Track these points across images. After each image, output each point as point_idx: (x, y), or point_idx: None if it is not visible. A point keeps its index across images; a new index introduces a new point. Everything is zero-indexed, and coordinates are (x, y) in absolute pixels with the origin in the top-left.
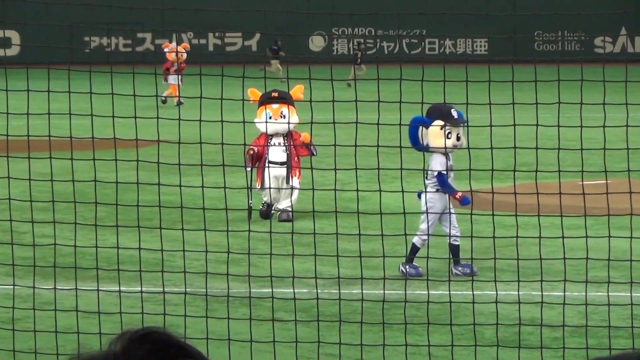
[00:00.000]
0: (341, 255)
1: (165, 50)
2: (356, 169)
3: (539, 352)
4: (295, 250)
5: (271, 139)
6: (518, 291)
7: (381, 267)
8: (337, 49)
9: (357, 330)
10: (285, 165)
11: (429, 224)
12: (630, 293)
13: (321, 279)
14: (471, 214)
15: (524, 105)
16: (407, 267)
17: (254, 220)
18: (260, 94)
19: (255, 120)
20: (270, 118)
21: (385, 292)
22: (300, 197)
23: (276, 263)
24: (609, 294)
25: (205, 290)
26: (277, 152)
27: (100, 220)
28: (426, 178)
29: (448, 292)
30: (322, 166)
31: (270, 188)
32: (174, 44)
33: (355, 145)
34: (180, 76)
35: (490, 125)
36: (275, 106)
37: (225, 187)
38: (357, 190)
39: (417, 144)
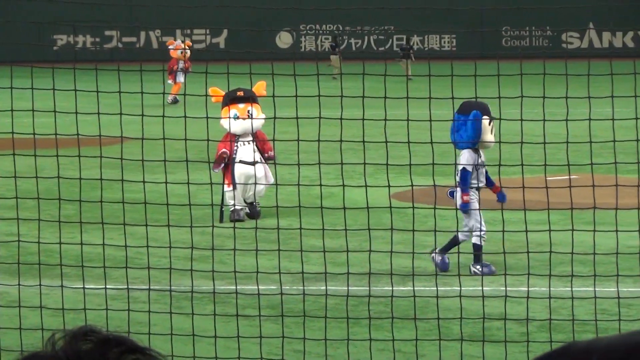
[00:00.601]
0: (305, 251)
1: (170, 47)
2: (319, 164)
3: (506, 347)
4: (264, 247)
5: (238, 138)
6: (482, 286)
7: (351, 263)
8: (304, 45)
9: (324, 327)
10: (254, 164)
11: (480, 219)
12: (594, 287)
13: (288, 275)
14: (434, 208)
15: (490, 101)
16: (478, 267)
17: (224, 222)
18: (223, 92)
19: (230, 118)
20: (237, 118)
21: (352, 288)
22: (268, 195)
23: (245, 260)
24: (574, 288)
25: (169, 287)
26: (246, 151)
27: (68, 218)
28: (457, 175)
29: (412, 288)
30: (290, 162)
31: (244, 184)
32: (178, 41)
33: (319, 141)
34: (185, 75)
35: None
36: (241, 105)
37: (188, 184)
38: (321, 185)
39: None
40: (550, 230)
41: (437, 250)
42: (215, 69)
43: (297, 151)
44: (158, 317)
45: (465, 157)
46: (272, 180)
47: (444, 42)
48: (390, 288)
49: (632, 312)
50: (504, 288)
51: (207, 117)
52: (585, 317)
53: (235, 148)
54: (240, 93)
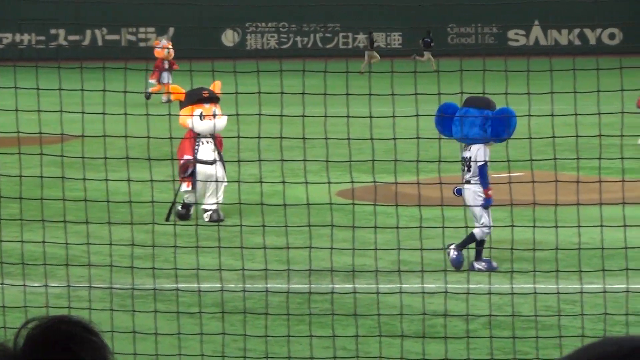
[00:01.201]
0: (246, 248)
1: (157, 47)
2: (260, 161)
3: (451, 344)
4: (208, 244)
5: (199, 137)
6: (422, 283)
7: (294, 261)
8: (250, 43)
9: (271, 325)
10: (214, 164)
11: (489, 216)
12: (534, 284)
13: (233, 273)
14: (375, 204)
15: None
16: (480, 263)
17: (171, 221)
18: (184, 91)
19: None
20: (202, 117)
21: (295, 285)
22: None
23: (190, 258)
24: (515, 285)
25: (110, 285)
26: (207, 151)
27: (13, 216)
28: (467, 171)
29: (353, 285)
30: (234, 159)
31: (205, 181)
32: (164, 40)
33: (259, 138)
34: (170, 74)
35: (394, 116)
36: (207, 105)
37: (129, 181)
38: (261, 183)
39: (450, 133)
40: (491, 227)
41: (453, 246)
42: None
43: (237, 149)
44: (100, 315)
45: (483, 152)
46: (225, 179)
47: (390, 40)
48: (331, 285)
49: (577, 308)
50: (444, 285)
51: (148, 115)
52: (528, 313)
53: (196, 147)
54: (206, 93)
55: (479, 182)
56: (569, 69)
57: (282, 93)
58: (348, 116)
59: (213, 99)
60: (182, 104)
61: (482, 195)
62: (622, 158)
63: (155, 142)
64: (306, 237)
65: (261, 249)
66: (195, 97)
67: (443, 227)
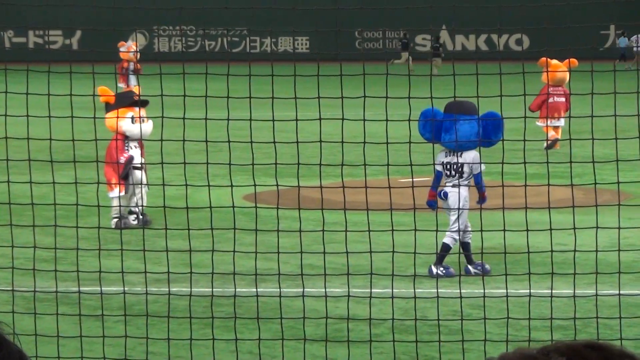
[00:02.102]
0: (148, 251)
1: (121, 49)
2: (162, 164)
3: (357, 348)
4: (114, 247)
5: (128, 141)
6: (324, 287)
7: (201, 265)
8: (158, 47)
9: (178, 328)
10: (142, 168)
11: (460, 222)
12: (437, 289)
13: (140, 276)
14: (277, 208)
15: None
16: (439, 268)
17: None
18: (113, 94)
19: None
20: (134, 121)
21: (200, 289)
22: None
23: (96, 261)
24: (418, 290)
25: (11, 288)
26: (137, 155)
27: None
28: (460, 176)
29: (255, 289)
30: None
31: (137, 184)
32: (129, 42)
33: (161, 141)
34: (137, 77)
35: (297, 120)
36: (137, 109)
37: (30, 183)
38: (164, 186)
39: (436, 139)
40: (392, 230)
41: (433, 266)
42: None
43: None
44: (3, 318)
45: (475, 155)
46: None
47: (298, 44)
48: (233, 289)
49: (482, 312)
50: (362, 290)
51: (50, 117)
52: (433, 318)
53: (126, 152)
54: (136, 96)
55: (467, 188)
56: (472, 73)
57: (184, 96)
58: (250, 119)
59: (143, 102)
60: (112, 107)
61: (468, 201)
62: (524, 163)
63: (59, 145)
64: (214, 240)
65: (164, 252)
66: (127, 100)
67: (346, 231)
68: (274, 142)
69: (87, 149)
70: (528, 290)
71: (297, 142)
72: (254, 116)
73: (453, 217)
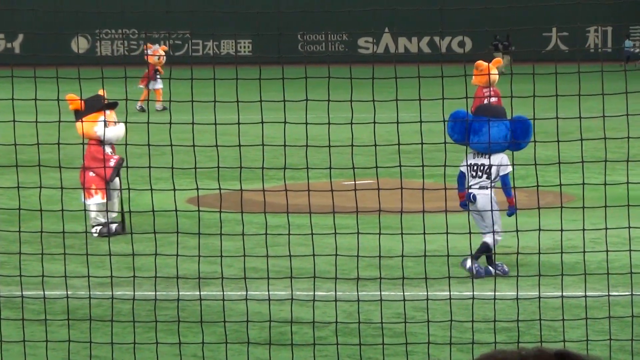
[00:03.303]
0: (91, 255)
1: (148, 52)
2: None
3: (301, 351)
4: (56, 252)
5: (103, 145)
6: (268, 290)
7: (145, 269)
8: (100, 50)
9: (122, 332)
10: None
11: (494, 222)
12: (380, 291)
13: (82, 280)
14: (220, 211)
15: (276, 106)
16: (497, 267)
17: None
18: (79, 99)
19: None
20: (106, 125)
21: (142, 293)
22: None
23: (39, 265)
24: (362, 292)
25: None
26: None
27: None
28: (486, 178)
29: (199, 293)
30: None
31: (114, 189)
32: (156, 46)
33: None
34: (160, 79)
35: (239, 124)
36: (108, 112)
37: None
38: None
39: (463, 140)
40: (335, 233)
41: (469, 260)
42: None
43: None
44: None
45: (503, 157)
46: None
47: (241, 47)
48: (177, 293)
49: (427, 315)
50: (290, 292)
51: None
52: (377, 320)
53: (112, 155)
54: (105, 100)
55: (493, 189)
56: (414, 76)
57: (126, 100)
58: (193, 122)
59: (112, 105)
60: (82, 113)
61: (497, 202)
62: (447, 166)
63: (0, 149)
64: (158, 244)
65: (107, 255)
66: (98, 105)
67: (289, 234)
68: (217, 146)
69: (29, 152)
70: (471, 293)
71: (240, 145)
72: (196, 119)
73: (488, 220)
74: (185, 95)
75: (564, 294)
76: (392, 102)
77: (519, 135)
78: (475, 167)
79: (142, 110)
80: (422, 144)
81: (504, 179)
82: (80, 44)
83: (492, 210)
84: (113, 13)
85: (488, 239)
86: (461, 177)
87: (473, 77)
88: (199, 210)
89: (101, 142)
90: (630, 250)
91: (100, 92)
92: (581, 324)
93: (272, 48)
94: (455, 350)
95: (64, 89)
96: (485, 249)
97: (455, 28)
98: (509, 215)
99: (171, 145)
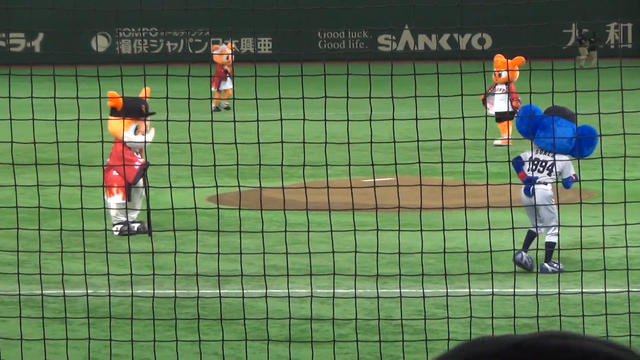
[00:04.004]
0: (111, 253)
1: (215, 52)
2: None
3: (322, 349)
4: (75, 250)
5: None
6: (288, 288)
7: (166, 267)
8: (120, 49)
9: (142, 330)
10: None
11: (552, 217)
12: (400, 289)
13: (100, 279)
14: (239, 209)
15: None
16: (553, 264)
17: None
18: (121, 98)
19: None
20: (137, 132)
21: (162, 291)
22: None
23: (60, 264)
24: (382, 290)
25: None
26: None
27: None
28: (549, 174)
29: (219, 290)
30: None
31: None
32: (223, 45)
33: (97, 143)
34: (231, 79)
35: (258, 121)
36: (142, 119)
37: None
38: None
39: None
40: (355, 231)
41: (519, 250)
42: (36, 71)
43: (102, 154)
44: None
45: (571, 164)
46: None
47: (260, 45)
48: (196, 290)
49: (447, 312)
50: (310, 290)
51: (11, 119)
52: (398, 317)
53: (138, 157)
54: (144, 107)
55: (550, 184)
56: (432, 72)
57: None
58: (212, 120)
59: (148, 114)
60: (118, 113)
61: (554, 199)
62: (486, 162)
63: (20, 148)
64: (178, 242)
65: (127, 254)
66: (136, 112)
67: (308, 232)
68: (236, 143)
69: (49, 151)
70: (491, 289)
71: (259, 142)
72: (215, 117)
73: (543, 215)
74: (204, 93)
75: (584, 290)
76: (411, 99)
77: (582, 144)
78: (536, 162)
79: (218, 110)
80: (441, 140)
81: (567, 182)
82: (100, 43)
83: (546, 205)
84: (132, 11)
85: (550, 237)
86: (518, 160)
87: (498, 73)
88: (218, 208)
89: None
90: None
91: (142, 94)
92: (601, 320)
93: (291, 46)
94: None
95: (83, 87)
96: (551, 247)
97: (475, 25)
98: (569, 184)
99: (190, 143)
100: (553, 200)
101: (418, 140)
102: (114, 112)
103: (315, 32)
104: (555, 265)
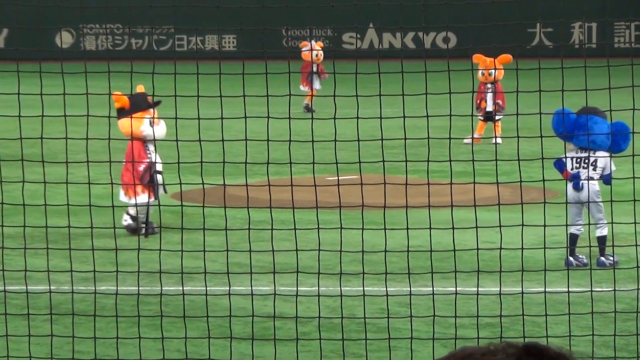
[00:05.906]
0: (74, 249)
1: (304, 50)
2: (88, 162)
3: (285, 346)
4: (38, 247)
5: (148, 145)
6: (251, 286)
7: (129, 263)
8: (84, 45)
9: (105, 327)
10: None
11: (599, 213)
12: (363, 287)
13: (63, 275)
14: (203, 206)
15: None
16: (609, 257)
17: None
18: (127, 97)
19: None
20: (152, 124)
21: (125, 287)
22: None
23: (22, 260)
24: (345, 288)
25: None
26: (158, 159)
27: None
28: (594, 169)
29: (182, 288)
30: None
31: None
32: (313, 42)
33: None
34: (320, 80)
35: (222, 118)
36: (151, 110)
37: None
38: (89, 184)
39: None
40: (319, 229)
41: (569, 256)
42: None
43: (65, 151)
44: None
45: (610, 161)
46: None
47: (225, 42)
48: (160, 288)
49: (410, 311)
50: (274, 287)
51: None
52: (361, 316)
53: (149, 155)
54: (150, 98)
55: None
56: (397, 71)
57: (109, 94)
58: (176, 117)
59: (157, 103)
60: (127, 112)
61: (601, 196)
62: (450, 161)
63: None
64: (141, 238)
65: (90, 250)
66: (144, 104)
67: (272, 229)
68: (200, 141)
69: (12, 147)
70: (454, 288)
71: (223, 140)
72: (180, 114)
73: (597, 209)
74: (169, 90)
75: (547, 289)
76: (375, 97)
77: (619, 139)
78: (579, 160)
79: (307, 109)
80: (405, 139)
81: (607, 178)
82: (64, 39)
83: (591, 202)
84: (97, 7)
85: (601, 231)
86: (559, 161)
87: (488, 72)
88: (182, 205)
89: (144, 141)
90: (613, 246)
91: (139, 89)
92: (564, 320)
93: (256, 43)
94: (439, 346)
95: (47, 83)
96: (603, 241)
97: (439, 23)
98: (611, 181)
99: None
100: (600, 195)
101: (382, 139)
102: (121, 112)
103: (280, 30)
104: (611, 258)
